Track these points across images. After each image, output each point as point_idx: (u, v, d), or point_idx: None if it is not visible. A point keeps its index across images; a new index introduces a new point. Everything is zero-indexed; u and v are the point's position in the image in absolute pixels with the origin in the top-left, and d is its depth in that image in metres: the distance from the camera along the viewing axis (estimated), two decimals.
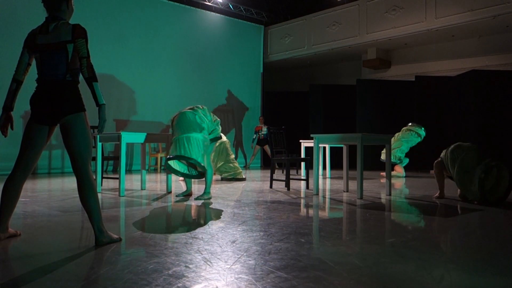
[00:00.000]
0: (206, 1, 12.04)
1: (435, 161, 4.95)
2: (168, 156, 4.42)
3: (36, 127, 2.58)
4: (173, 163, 4.71)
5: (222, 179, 7.51)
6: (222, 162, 7.45)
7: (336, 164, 10.16)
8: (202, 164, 4.37)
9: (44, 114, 2.55)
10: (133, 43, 10.37)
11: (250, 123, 12.85)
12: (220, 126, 4.96)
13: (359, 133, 4.97)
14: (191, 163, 4.74)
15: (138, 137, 5.33)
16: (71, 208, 4.03)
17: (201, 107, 4.75)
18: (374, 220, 3.46)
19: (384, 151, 7.92)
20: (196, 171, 4.81)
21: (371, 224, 3.28)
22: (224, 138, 7.45)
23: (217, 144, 7.25)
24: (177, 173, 4.73)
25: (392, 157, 7.93)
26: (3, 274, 2.01)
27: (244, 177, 7.65)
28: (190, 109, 4.68)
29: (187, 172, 4.82)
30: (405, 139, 8.43)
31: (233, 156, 7.61)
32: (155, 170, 10.36)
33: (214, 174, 7.34)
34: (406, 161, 8.64)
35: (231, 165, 7.52)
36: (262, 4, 13.42)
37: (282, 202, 4.54)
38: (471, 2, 9.48)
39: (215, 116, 4.94)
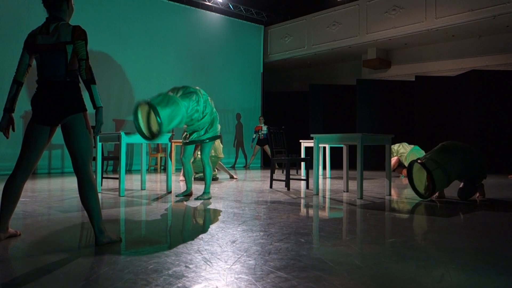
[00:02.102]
0: (206, 1, 12.05)
1: None
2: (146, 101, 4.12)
3: (37, 128, 2.58)
4: (141, 111, 4.21)
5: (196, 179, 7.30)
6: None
7: (336, 164, 10.16)
8: (160, 122, 3.99)
9: (45, 115, 2.55)
10: (133, 43, 10.37)
11: (250, 123, 12.85)
12: (219, 124, 4.90)
13: (359, 133, 4.97)
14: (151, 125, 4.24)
15: (138, 138, 5.33)
16: (71, 208, 4.03)
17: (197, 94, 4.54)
18: (374, 220, 3.46)
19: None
20: (149, 134, 4.26)
21: (371, 224, 3.28)
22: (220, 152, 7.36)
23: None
24: (135, 121, 4.21)
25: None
26: (3, 274, 2.01)
27: (217, 177, 7.59)
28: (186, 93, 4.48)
29: (143, 129, 4.27)
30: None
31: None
32: (155, 170, 10.36)
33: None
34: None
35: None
36: (262, 4, 13.42)
37: (282, 202, 4.54)
38: (471, 2, 9.49)
39: (214, 110, 4.80)
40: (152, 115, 4.11)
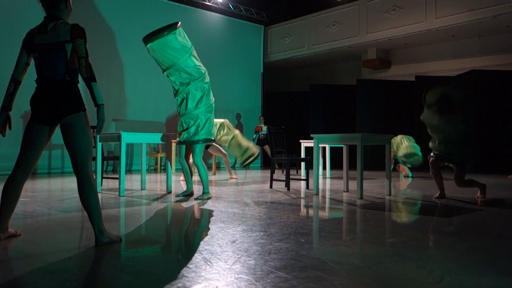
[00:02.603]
0: (206, 1, 12.04)
1: (430, 160, 4.93)
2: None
3: (37, 128, 2.58)
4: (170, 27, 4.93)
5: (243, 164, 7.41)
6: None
7: (336, 164, 10.16)
8: (163, 35, 4.82)
9: (44, 114, 2.54)
10: (132, 43, 10.36)
11: (250, 123, 12.85)
12: (215, 126, 4.89)
13: (359, 133, 4.97)
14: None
15: (137, 137, 5.33)
16: (71, 208, 4.03)
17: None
18: (374, 220, 3.46)
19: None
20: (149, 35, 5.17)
21: (371, 224, 3.28)
22: (236, 131, 7.43)
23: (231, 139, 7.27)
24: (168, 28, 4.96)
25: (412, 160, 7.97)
26: (3, 274, 2.01)
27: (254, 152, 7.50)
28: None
29: (156, 33, 5.12)
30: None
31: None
32: (155, 170, 10.36)
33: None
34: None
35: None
36: (262, 4, 13.42)
37: (282, 202, 4.54)
38: (471, 2, 9.49)
39: (211, 110, 4.84)
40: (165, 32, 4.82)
